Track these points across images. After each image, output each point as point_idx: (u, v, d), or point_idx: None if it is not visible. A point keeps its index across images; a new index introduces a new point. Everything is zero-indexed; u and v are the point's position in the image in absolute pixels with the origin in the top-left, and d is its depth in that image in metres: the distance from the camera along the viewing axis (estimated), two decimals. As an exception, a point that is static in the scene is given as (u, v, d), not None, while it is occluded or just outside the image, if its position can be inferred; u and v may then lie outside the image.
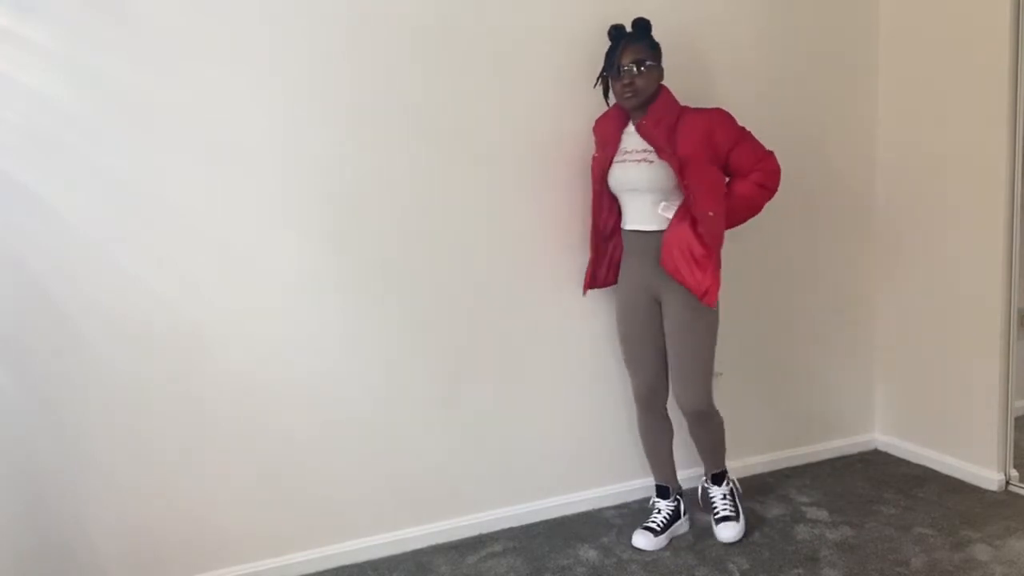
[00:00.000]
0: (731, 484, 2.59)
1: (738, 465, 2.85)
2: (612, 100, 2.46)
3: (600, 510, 2.74)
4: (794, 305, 2.99)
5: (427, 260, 2.45)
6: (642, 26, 2.35)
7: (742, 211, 2.40)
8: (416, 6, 2.35)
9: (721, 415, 2.51)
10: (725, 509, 2.53)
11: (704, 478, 2.61)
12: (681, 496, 2.61)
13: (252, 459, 2.30)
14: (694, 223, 2.28)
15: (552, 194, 2.59)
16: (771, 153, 2.39)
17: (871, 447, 3.25)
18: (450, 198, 2.46)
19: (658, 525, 2.51)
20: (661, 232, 2.36)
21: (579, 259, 2.64)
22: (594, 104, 2.53)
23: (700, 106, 2.41)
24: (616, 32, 2.36)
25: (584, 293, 2.59)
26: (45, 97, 2.00)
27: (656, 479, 2.62)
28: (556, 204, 2.60)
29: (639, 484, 2.81)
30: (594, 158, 2.48)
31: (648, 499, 2.66)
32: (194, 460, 2.23)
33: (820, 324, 3.09)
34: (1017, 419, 2.83)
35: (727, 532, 2.48)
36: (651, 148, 2.33)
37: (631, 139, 2.40)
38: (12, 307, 2.02)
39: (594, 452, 2.75)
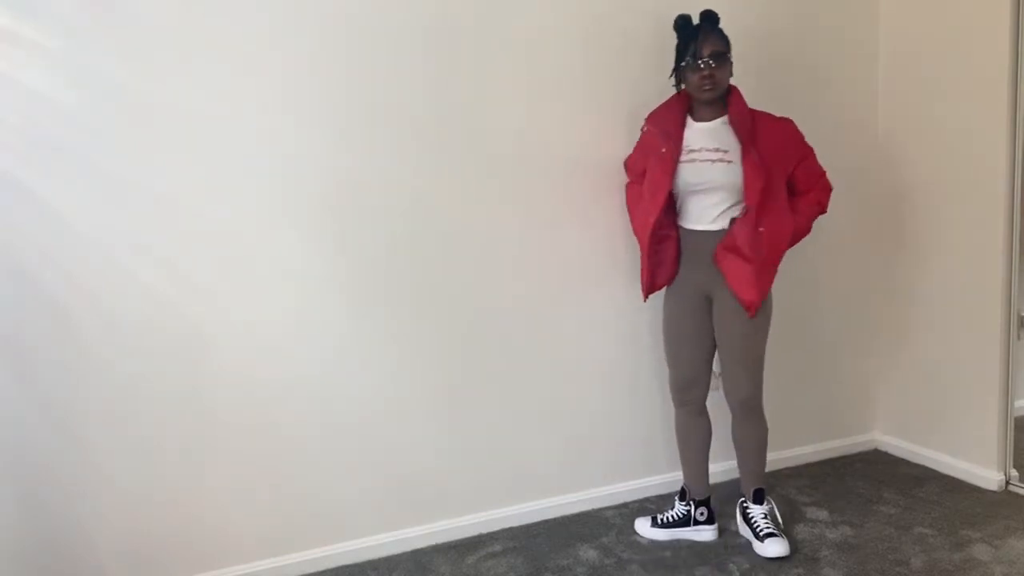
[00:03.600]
0: (771, 504, 2.51)
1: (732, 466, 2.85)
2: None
3: (600, 510, 2.74)
4: (794, 306, 2.99)
5: (428, 260, 2.45)
6: (714, 18, 2.31)
7: (803, 231, 2.39)
8: (423, 5, 2.35)
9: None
10: (768, 527, 2.42)
11: (743, 499, 2.52)
12: (696, 503, 2.52)
13: (252, 459, 2.30)
14: (757, 231, 2.27)
15: (555, 194, 2.59)
16: (824, 171, 2.42)
17: (871, 447, 3.25)
18: (450, 198, 2.46)
19: (661, 520, 2.53)
20: (722, 231, 2.34)
21: (580, 259, 2.64)
22: (595, 103, 2.53)
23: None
24: (684, 22, 2.32)
25: (645, 299, 2.52)
26: (45, 97, 2.00)
27: (684, 480, 2.56)
28: (557, 204, 2.60)
29: (639, 484, 2.81)
30: (660, 156, 2.36)
31: (648, 499, 2.67)
32: (194, 460, 2.24)
33: (820, 324, 3.09)
34: (1017, 419, 2.82)
35: (775, 547, 2.36)
36: (726, 148, 2.30)
37: (699, 136, 2.35)
38: (12, 307, 2.02)
39: (594, 452, 2.75)
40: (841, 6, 2.99)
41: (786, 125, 2.37)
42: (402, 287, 2.43)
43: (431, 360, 2.49)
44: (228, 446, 2.27)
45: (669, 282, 2.49)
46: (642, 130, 2.48)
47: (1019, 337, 2.76)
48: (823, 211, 2.42)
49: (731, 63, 2.33)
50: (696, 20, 2.31)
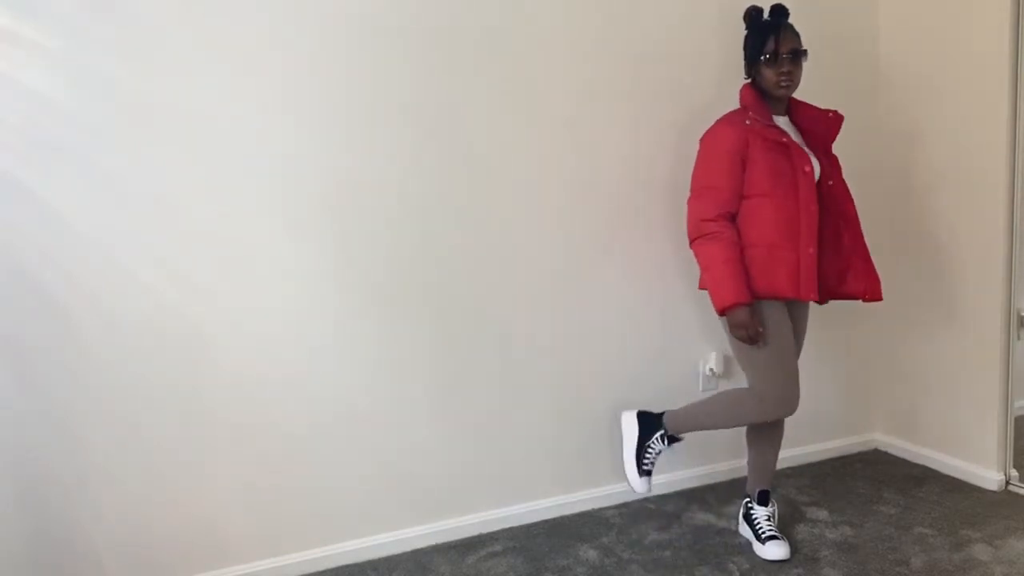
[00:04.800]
0: (775, 506, 2.51)
1: (738, 465, 2.85)
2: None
3: (600, 510, 2.74)
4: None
5: (427, 260, 2.45)
6: (786, 12, 2.33)
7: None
8: (424, 4, 2.35)
9: None
10: (771, 529, 2.42)
11: (748, 499, 2.53)
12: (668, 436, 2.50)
13: (252, 459, 2.30)
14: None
15: (555, 194, 2.59)
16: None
17: (871, 447, 3.25)
18: (450, 198, 2.46)
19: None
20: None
21: (580, 258, 2.64)
22: (598, 101, 2.52)
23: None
24: (757, 15, 2.35)
25: (824, 301, 2.45)
26: (45, 97, 2.00)
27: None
28: (557, 203, 2.60)
29: (639, 484, 2.81)
30: (782, 144, 2.29)
31: (648, 499, 2.66)
32: (194, 460, 2.23)
33: (820, 324, 3.08)
34: (1017, 419, 2.83)
35: (777, 550, 2.36)
36: (799, 142, 2.36)
37: (785, 129, 2.37)
38: (12, 307, 2.02)
39: (594, 452, 2.75)
40: (841, 5, 2.99)
41: (837, 117, 2.46)
42: (402, 287, 2.43)
43: (431, 360, 2.49)
44: (228, 446, 2.27)
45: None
46: (744, 123, 2.32)
47: (1019, 337, 2.76)
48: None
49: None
50: (766, 14, 2.33)
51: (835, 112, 2.44)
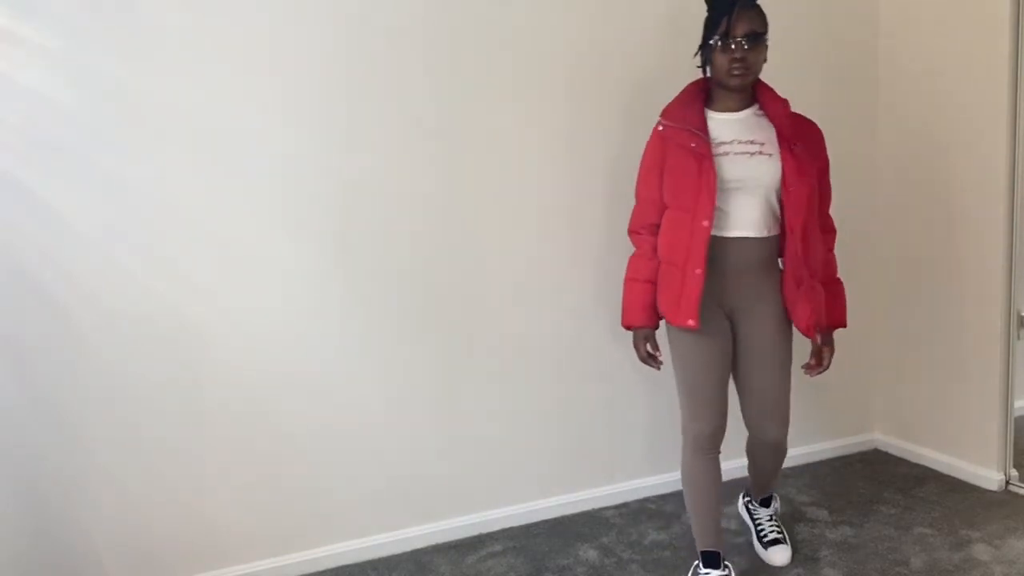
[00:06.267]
0: (777, 504, 2.45)
1: (738, 465, 2.85)
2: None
3: (600, 510, 2.74)
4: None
5: (427, 260, 2.45)
6: None
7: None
8: (425, 4, 2.35)
9: None
10: (774, 531, 2.37)
11: (748, 499, 2.48)
12: (703, 557, 2.19)
13: (252, 459, 2.30)
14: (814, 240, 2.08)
15: (556, 194, 2.59)
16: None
17: (871, 447, 3.25)
18: (451, 198, 2.46)
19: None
20: (762, 239, 2.06)
21: (581, 258, 2.64)
22: (601, 100, 2.52)
23: None
24: None
25: (697, 325, 2.02)
26: (45, 97, 2.00)
27: (703, 544, 2.17)
28: (559, 205, 2.60)
29: (639, 484, 2.81)
30: (690, 150, 2.01)
31: (648, 499, 2.66)
32: (194, 460, 2.23)
33: (820, 324, 3.09)
34: (1017, 419, 2.83)
35: (781, 556, 2.31)
36: (762, 140, 2.01)
37: (726, 128, 2.04)
38: (12, 306, 2.02)
39: (594, 452, 2.75)
40: (841, 5, 2.99)
41: (815, 128, 2.14)
42: (402, 287, 2.43)
43: (431, 359, 2.49)
44: (228, 446, 2.27)
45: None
46: (656, 129, 2.14)
47: (1019, 337, 2.76)
48: (833, 261, 2.28)
49: (767, 46, 2.01)
50: None
51: (810, 123, 2.13)
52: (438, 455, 2.53)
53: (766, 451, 2.26)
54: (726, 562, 2.17)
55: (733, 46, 1.95)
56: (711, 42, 1.99)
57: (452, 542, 2.54)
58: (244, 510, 2.31)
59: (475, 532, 2.59)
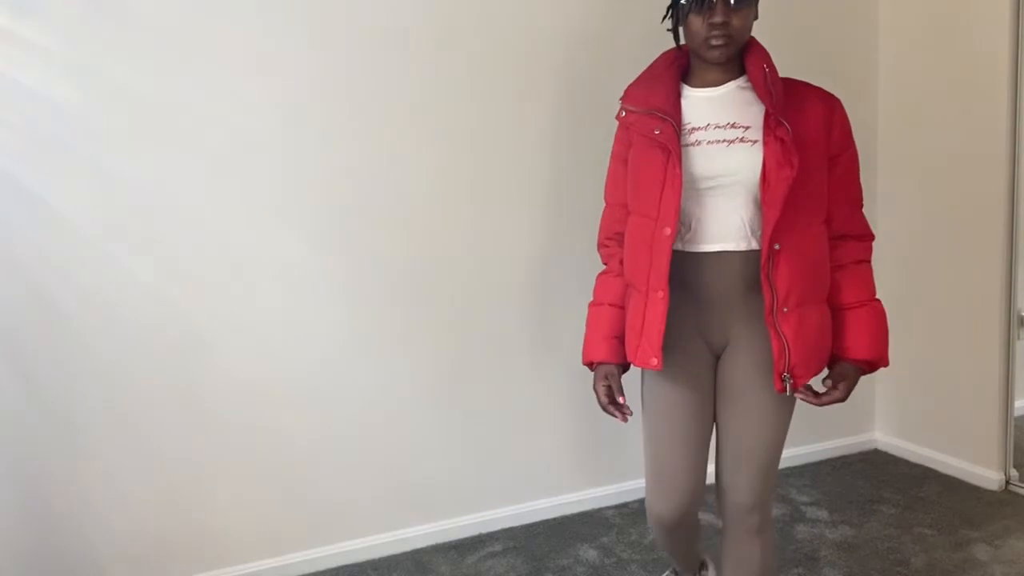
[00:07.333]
0: None
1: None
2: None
3: (600, 510, 2.74)
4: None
5: (428, 261, 2.45)
6: None
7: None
8: (425, 4, 2.35)
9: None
10: None
11: None
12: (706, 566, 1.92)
13: (252, 459, 2.30)
14: (772, 247, 1.48)
15: (557, 194, 2.59)
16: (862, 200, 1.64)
17: (871, 447, 3.25)
18: (452, 198, 2.46)
19: None
20: (746, 253, 1.53)
21: (581, 257, 2.64)
22: (600, 98, 2.52)
23: None
24: None
25: (657, 364, 1.54)
26: (45, 97, 2.00)
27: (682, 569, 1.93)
28: (559, 205, 2.60)
29: (639, 484, 2.81)
30: (651, 139, 1.54)
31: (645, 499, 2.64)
32: (194, 460, 2.24)
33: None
34: (1017, 419, 2.83)
35: None
36: (746, 123, 1.51)
37: (703, 109, 1.55)
38: (12, 307, 2.02)
39: (594, 452, 2.75)
40: (841, 4, 3.00)
41: (834, 101, 1.58)
42: (402, 287, 2.43)
43: (431, 360, 2.49)
44: (228, 446, 2.27)
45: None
46: (618, 117, 1.67)
47: (1019, 337, 2.76)
48: (871, 275, 1.65)
49: (756, 11, 1.53)
50: None
51: (817, 96, 1.57)
52: (438, 455, 2.53)
53: (741, 548, 1.65)
54: (707, 561, 1.92)
55: (714, 7, 1.45)
56: (683, 1, 1.49)
57: (452, 542, 2.54)
58: (244, 510, 2.31)
59: (475, 532, 2.59)
